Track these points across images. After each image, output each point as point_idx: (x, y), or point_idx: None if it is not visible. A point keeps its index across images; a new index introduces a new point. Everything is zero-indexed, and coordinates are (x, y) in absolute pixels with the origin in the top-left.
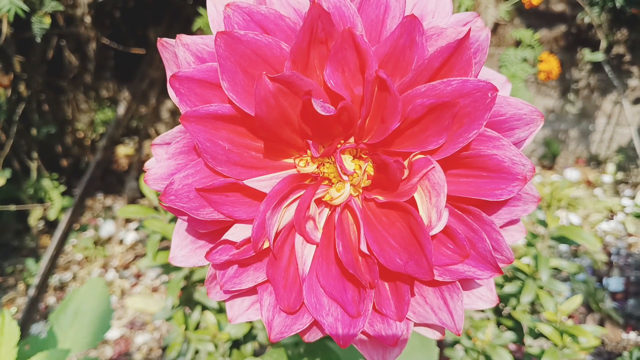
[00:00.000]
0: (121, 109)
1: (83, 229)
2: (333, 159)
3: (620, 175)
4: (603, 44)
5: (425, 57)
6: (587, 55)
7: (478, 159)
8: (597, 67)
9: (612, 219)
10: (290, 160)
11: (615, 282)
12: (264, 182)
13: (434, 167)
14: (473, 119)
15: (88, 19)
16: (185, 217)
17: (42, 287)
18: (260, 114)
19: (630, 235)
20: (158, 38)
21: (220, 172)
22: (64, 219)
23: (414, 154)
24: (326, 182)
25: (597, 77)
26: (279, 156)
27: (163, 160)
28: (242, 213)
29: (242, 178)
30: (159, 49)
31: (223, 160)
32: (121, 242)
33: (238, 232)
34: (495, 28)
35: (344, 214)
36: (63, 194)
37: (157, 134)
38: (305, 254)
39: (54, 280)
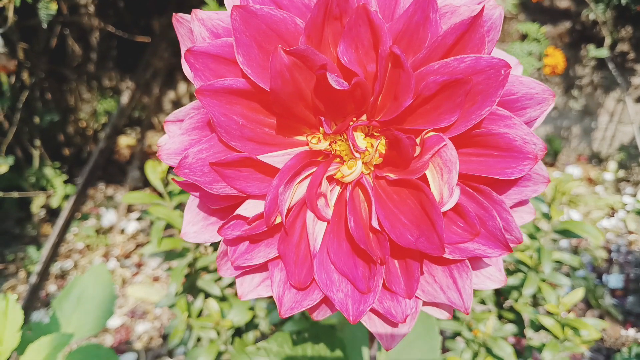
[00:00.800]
0: (125, 98)
1: (85, 217)
2: (345, 137)
3: (621, 173)
4: (607, 41)
5: (439, 34)
6: (591, 51)
7: (489, 138)
8: (600, 64)
9: (613, 216)
10: (302, 138)
11: (615, 279)
12: (277, 158)
13: (446, 144)
14: (486, 96)
15: (92, 8)
16: (197, 194)
17: (44, 274)
18: (275, 88)
19: (630, 232)
20: (174, 13)
21: (234, 147)
22: (67, 207)
23: (426, 131)
24: (338, 159)
25: (601, 74)
26: (291, 133)
27: (177, 136)
28: (254, 188)
29: (255, 154)
30: (174, 24)
31: (237, 135)
32: (122, 231)
33: (250, 208)
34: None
35: (355, 191)
36: (65, 182)
37: (160, 124)
38: (316, 230)
39: (55, 268)
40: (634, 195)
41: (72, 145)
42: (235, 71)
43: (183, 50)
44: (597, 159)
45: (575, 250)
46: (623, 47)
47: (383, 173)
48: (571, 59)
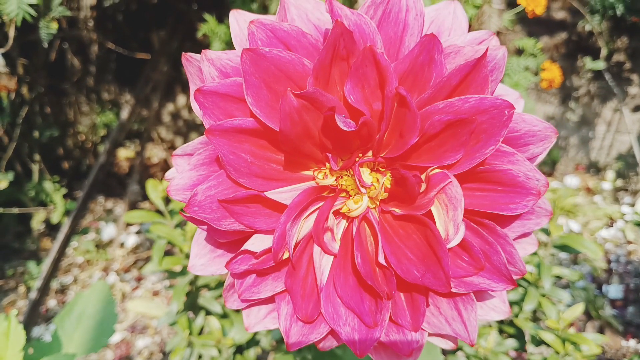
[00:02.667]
0: (125, 113)
1: (84, 231)
2: (351, 172)
3: (619, 183)
4: (603, 52)
5: (444, 74)
6: (588, 63)
7: (493, 174)
8: (597, 74)
9: (612, 226)
10: (309, 172)
11: (614, 290)
12: (285, 194)
13: (451, 181)
14: (490, 135)
15: (91, 22)
16: (205, 227)
17: (44, 290)
18: (285, 129)
19: (629, 242)
20: (183, 53)
21: (242, 183)
22: (67, 222)
23: (431, 168)
24: (344, 193)
25: (597, 84)
26: (298, 168)
27: (185, 172)
28: (262, 224)
29: (263, 189)
30: (184, 63)
31: (245, 172)
32: (122, 245)
33: (258, 243)
34: (497, 36)
35: (361, 225)
36: (64, 196)
37: (159, 137)
38: (323, 264)
39: (55, 283)
40: (633, 205)
41: (72, 159)
42: (243, 109)
43: (192, 88)
44: (595, 169)
45: (574, 261)
46: (619, 57)
47: (389, 207)
48: (567, 70)
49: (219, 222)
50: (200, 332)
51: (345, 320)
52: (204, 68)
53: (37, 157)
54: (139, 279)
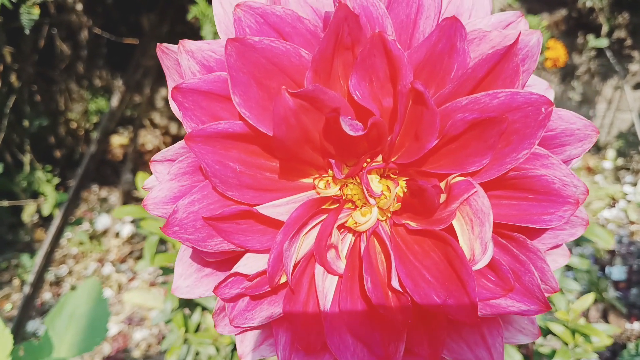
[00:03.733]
0: (115, 101)
1: (78, 222)
2: (358, 180)
3: (620, 161)
4: (604, 29)
5: (468, 65)
6: (591, 41)
7: (524, 180)
8: (598, 52)
9: (614, 206)
10: (308, 180)
11: (618, 271)
12: (280, 208)
13: (476, 191)
14: (523, 136)
15: (79, 6)
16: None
17: (38, 283)
18: (279, 135)
19: (632, 223)
20: (158, 44)
21: (231, 197)
22: (59, 214)
23: (453, 175)
24: (349, 204)
25: (598, 62)
26: (296, 176)
27: (165, 182)
28: (255, 242)
29: (255, 202)
30: (159, 55)
31: (234, 183)
32: (117, 235)
33: (251, 263)
34: None
35: (370, 241)
36: (57, 185)
37: (152, 123)
38: (326, 286)
39: (49, 275)
40: (634, 184)
41: (64, 147)
42: (231, 109)
43: (170, 85)
44: (595, 147)
45: (577, 242)
46: (620, 34)
47: (402, 220)
48: (568, 47)
49: (204, 243)
50: (197, 329)
51: (353, 351)
52: (182, 62)
53: (27, 147)
54: (135, 270)
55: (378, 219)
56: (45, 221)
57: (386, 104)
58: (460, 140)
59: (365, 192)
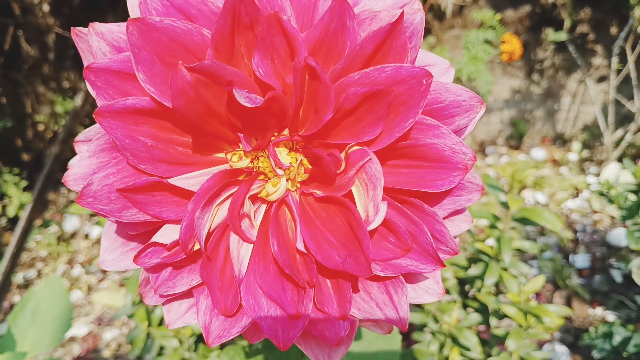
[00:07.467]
0: (78, 100)
1: (46, 224)
2: (267, 152)
3: (585, 153)
4: (567, 23)
5: (358, 42)
6: (550, 34)
7: (417, 149)
8: (561, 46)
9: (578, 196)
10: (222, 155)
11: (581, 259)
12: (192, 180)
13: (370, 158)
14: (409, 107)
15: (46, 8)
16: (114, 219)
17: (5, 286)
18: (179, 108)
19: (595, 212)
20: (72, 28)
21: (144, 170)
22: (24, 215)
23: (350, 145)
24: (262, 177)
25: (562, 56)
26: (209, 151)
27: (84, 159)
28: (170, 213)
29: (169, 175)
30: (74, 39)
31: (146, 157)
32: (87, 236)
33: (168, 234)
34: (461, 10)
35: (281, 210)
36: (25, 188)
37: None
38: (241, 253)
39: (18, 278)
40: (598, 175)
41: (32, 150)
42: (142, 87)
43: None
44: (561, 140)
45: (542, 232)
46: (583, 28)
47: (310, 189)
48: (532, 43)
49: (119, 214)
50: (160, 324)
51: (267, 311)
52: (92, 43)
53: None
54: (105, 271)
55: (288, 189)
56: (13, 224)
57: (289, 80)
58: (357, 113)
59: (273, 163)
